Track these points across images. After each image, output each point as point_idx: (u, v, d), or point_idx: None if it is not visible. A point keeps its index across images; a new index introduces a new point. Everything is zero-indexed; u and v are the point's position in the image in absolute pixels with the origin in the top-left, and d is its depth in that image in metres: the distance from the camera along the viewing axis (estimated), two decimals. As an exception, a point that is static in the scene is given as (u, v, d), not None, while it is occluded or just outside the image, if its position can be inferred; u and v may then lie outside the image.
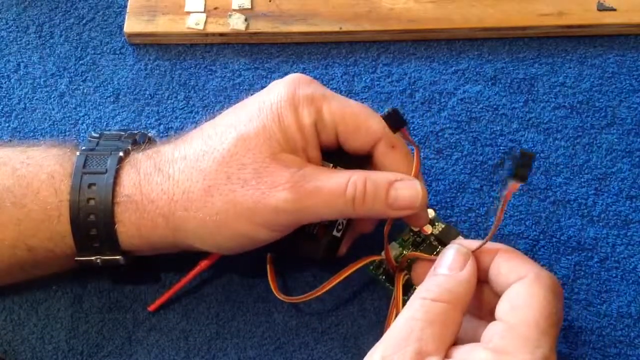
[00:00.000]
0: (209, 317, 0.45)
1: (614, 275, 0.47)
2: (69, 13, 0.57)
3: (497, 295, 0.37)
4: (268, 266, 0.44)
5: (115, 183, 0.40)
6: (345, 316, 0.45)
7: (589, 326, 0.45)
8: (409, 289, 0.43)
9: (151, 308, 0.44)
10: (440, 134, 0.52)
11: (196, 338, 0.44)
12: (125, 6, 0.56)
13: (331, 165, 0.42)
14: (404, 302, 0.42)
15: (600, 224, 0.49)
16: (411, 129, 0.52)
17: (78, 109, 0.53)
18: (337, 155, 0.42)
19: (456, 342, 0.35)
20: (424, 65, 0.55)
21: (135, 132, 0.45)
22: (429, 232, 0.46)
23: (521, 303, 0.35)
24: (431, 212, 0.47)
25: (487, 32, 0.56)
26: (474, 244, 0.39)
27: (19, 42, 0.56)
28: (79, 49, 0.56)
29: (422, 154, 0.51)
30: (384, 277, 0.45)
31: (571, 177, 0.50)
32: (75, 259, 0.41)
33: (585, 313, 0.46)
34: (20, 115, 0.53)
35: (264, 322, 0.45)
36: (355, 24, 0.55)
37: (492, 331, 0.35)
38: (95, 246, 0.40)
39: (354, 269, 0.43)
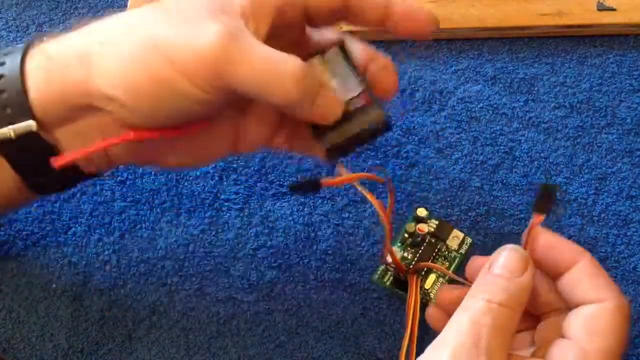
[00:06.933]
0: (209, 315, 0.45)
1: (614, 275, 0.47)
2: (69, 13, 0.57)
3: (562, 301, 0.37)
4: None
5: (26, 51, 0.37)
6: (345, 316, 0.45)
7: (590, 325, 0.45)
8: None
9: (56, 162, 0.38)
10: (440, 133, 0.52)
11: (196, 336, 0.44)
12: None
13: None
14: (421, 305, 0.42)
15: (600, 223, 0.49)
16: (411, 128, 0.52)
17: (78, 108, 0.53)
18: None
19: None
20: (424, 65, 0.55)
21: None
22: (425, 231, 0.46)
23: (601, 330, 0.34)
24: (423, 211, 0.47)
25: (487, 32, 0.56)
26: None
27: (19, 42, 0.56)
28: (79, 48, 0.56)
29: (423, 153, 0.51)
30: (393, 282, 0.45)
31: (571, 177, 0.50)
32: None
33: (585, 312, 0.46)
34: (21, 114, 0.53)
35: (264, 321, 0.45)
36: (355, 23, 0.55)
37: (563, 353, 0.34)
38: (7, 114, 0.36)
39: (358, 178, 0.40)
